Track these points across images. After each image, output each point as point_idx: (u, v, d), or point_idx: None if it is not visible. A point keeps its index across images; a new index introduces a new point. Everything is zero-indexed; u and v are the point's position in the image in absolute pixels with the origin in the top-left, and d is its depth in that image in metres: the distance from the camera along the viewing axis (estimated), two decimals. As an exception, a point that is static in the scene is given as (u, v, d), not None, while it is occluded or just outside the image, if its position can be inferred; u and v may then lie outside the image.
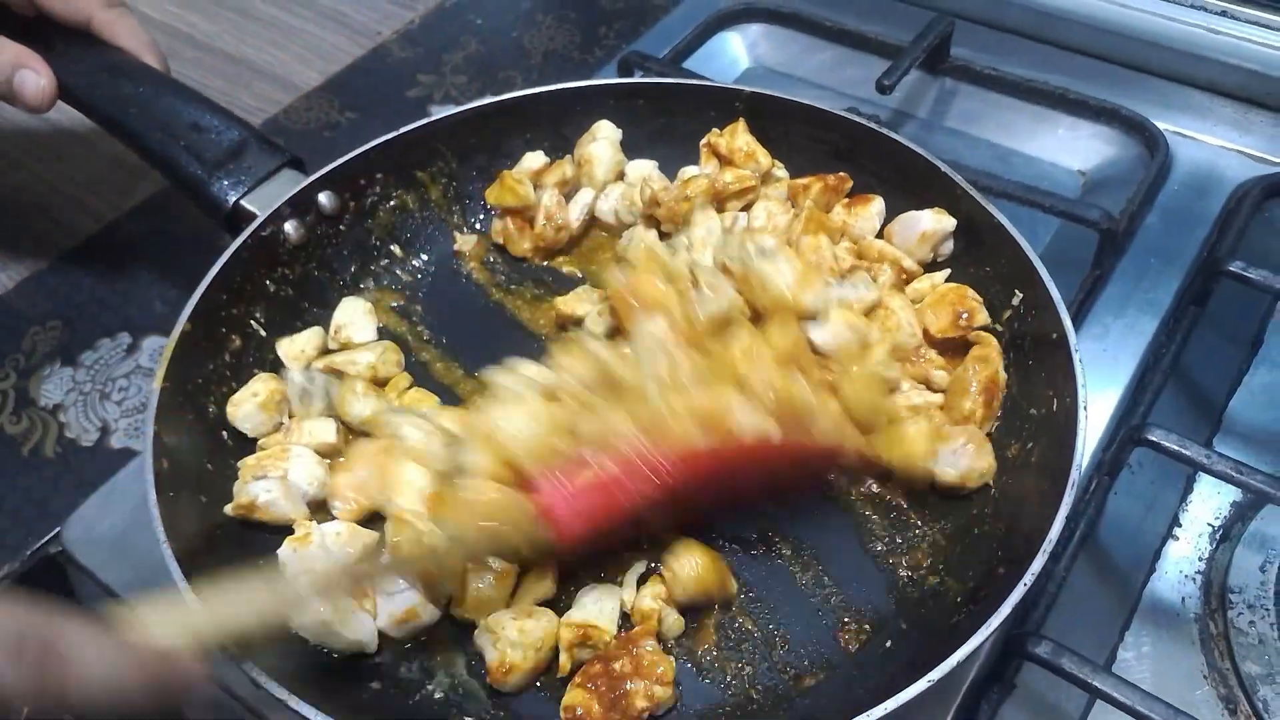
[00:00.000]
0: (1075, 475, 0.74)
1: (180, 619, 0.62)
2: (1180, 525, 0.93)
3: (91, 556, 0.90)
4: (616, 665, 0.73)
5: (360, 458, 0.88)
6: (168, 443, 0.82)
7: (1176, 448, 0.86)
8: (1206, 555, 0.91)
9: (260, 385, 0.92)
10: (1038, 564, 0.69)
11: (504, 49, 1.46)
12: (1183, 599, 0.89)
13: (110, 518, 0.92)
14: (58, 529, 0.92)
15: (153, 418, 0.82)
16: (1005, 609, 0.67)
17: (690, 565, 0.79)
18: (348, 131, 1.34)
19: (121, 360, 1.09)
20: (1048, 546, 0.70)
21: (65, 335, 1.12)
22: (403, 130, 1.04)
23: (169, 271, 1.18)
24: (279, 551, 0.82)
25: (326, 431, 0.90)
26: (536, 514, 0.73)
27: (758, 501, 0.87)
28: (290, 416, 0.93)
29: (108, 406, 1.05)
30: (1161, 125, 1.18)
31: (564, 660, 0.77)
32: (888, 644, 0.79)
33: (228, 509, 0.85)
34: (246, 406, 0.91)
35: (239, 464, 0.87)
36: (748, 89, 1.07)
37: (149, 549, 0.75)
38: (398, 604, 0.80)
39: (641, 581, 0.82)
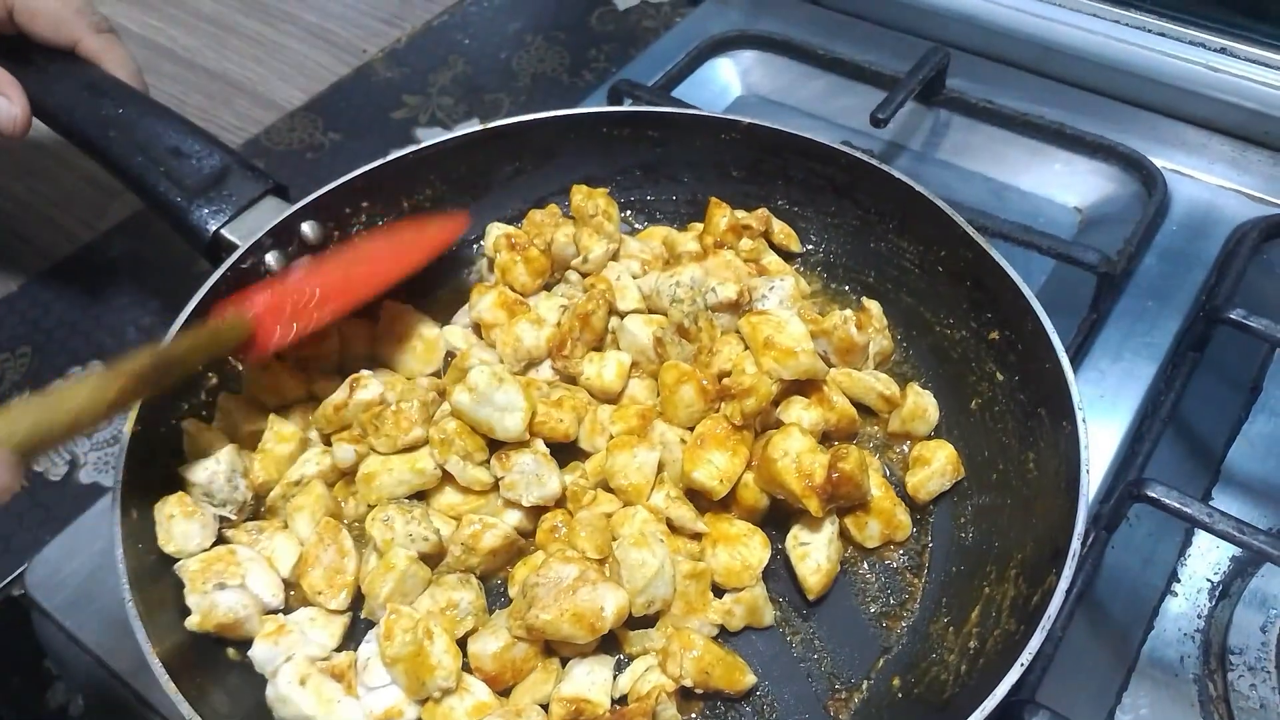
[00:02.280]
0: (1076, 546, 0.71)
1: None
2: (1179, 580, 0.91)
3: (55, 601, 0.87)
4: (607, 739, 0.69)
5: (314, 550, 0.83)
6: (137, 492, 0.79)
7: (1177, 505, 0.83)
8: (1206, 613, 0.89)
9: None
10: (1035, 642, 0.67)
11: (492, 70, 1.43)
12: (1181, 658, 0.86)
13: (75, 560, 0.89)
14: (21, 569, 0.89)
15: (123, 464, 0.78)
16: (1003, 689, 0.65)
17: (692, 654, 0.76)
18: (330, 153, 1.31)
19: (93, 390, 1.05)
20: (1046, 623, 0.68)
21: (35, 363, 1.08)
22: (390, 158, 1.01)
23: (144, 296, 1.15)
24: (252, 652, 0.77)
25: (288, 552, 0.84)
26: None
27: None
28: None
29: (77, 440, 1.01)
30: (1159, 162, 1.17)
31: None
32: (880, 714, 0.77)
33: (191, 624, 0.77)
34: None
35: (178, 569, 0.80)
36: (745, 120, 1.04)
37: (114, 595, 0.72)
38: (379, 701, 0.76)
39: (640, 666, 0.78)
